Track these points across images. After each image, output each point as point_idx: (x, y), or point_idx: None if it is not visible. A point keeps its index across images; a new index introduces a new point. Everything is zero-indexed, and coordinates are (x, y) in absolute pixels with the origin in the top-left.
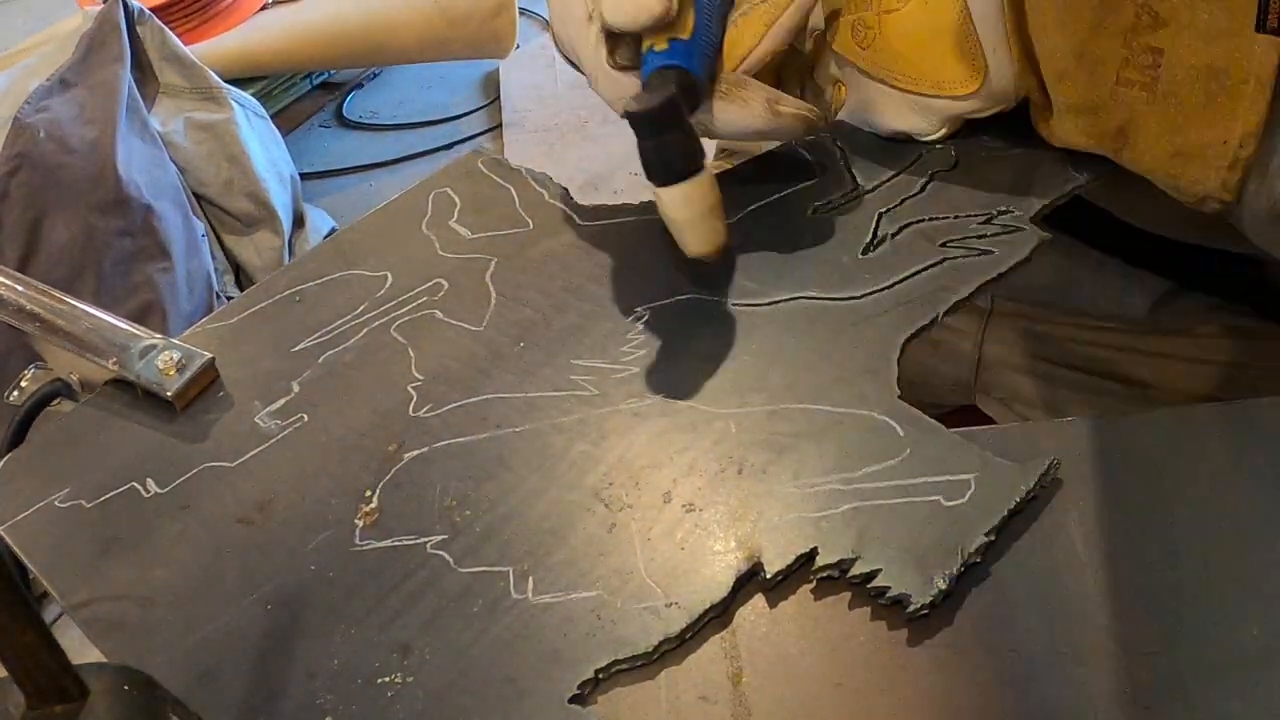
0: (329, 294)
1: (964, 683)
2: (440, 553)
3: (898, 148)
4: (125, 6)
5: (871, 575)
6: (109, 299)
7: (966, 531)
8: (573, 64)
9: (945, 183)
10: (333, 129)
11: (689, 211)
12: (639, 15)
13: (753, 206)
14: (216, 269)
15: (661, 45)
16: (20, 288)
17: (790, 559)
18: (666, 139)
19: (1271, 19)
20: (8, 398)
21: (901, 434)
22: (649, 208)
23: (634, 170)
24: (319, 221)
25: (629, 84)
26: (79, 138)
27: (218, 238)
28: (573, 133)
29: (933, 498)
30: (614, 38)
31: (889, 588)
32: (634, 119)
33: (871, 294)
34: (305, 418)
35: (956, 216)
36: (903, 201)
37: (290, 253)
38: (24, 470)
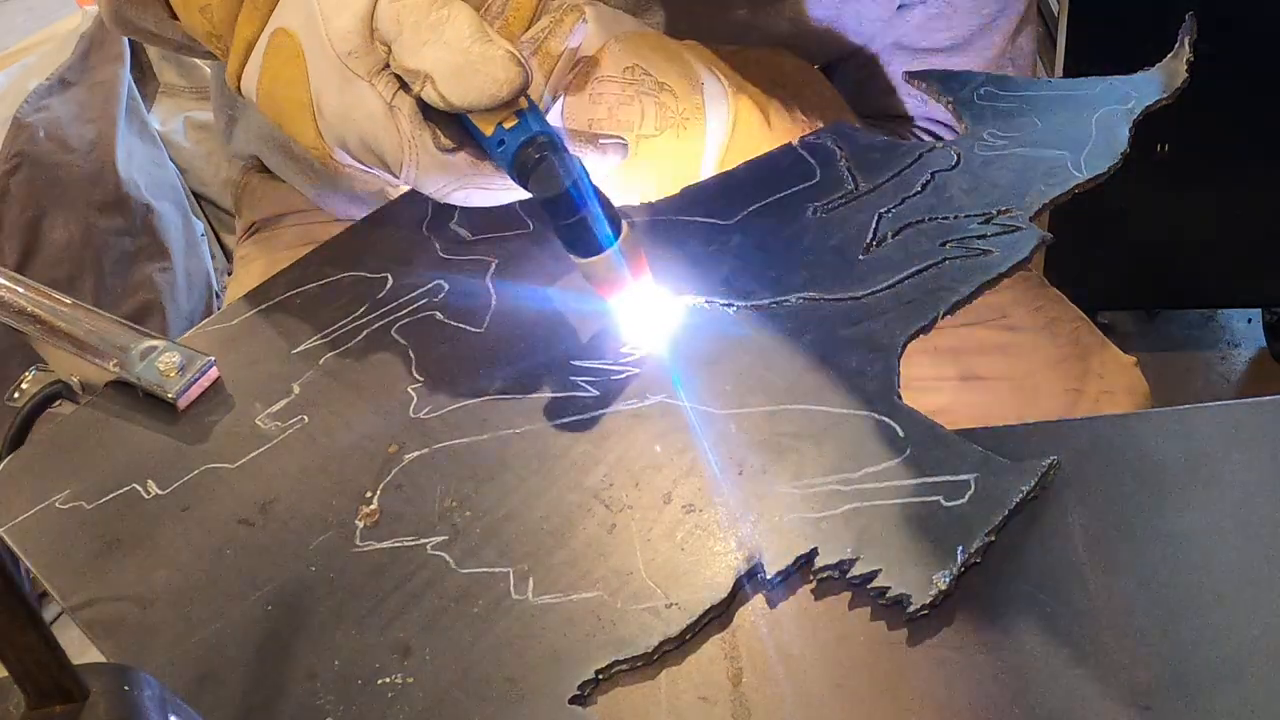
0: (329, 296)
1: (964, 683)
2: (441, 554)
3: (898, 147)
4: None
5: (871, 576)
6: (109, 299)
7: (966, 532)
8: (360, 168)
9: (945, 183)
10: None
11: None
12: (498, 91)
13: (753, 207)
14: (216, 269)
15: (512, 121)
16: (20, 289)
17: (790, 559)
18: (597, 205)
19: None
20: (8, 399)
21: (902, 434)
22: (648, 209)
23: None
24: None
25: (463, 164)
26: (79, 137)
27: (217, 238)
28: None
29: (933, 498)
30: (436, 120)
31: (889, 588)
32: (557, 201)
33: (872, 294)
34: (306, 419)
35: (956, 216)
36: (903, 201)
37: None
38: (25, 472)
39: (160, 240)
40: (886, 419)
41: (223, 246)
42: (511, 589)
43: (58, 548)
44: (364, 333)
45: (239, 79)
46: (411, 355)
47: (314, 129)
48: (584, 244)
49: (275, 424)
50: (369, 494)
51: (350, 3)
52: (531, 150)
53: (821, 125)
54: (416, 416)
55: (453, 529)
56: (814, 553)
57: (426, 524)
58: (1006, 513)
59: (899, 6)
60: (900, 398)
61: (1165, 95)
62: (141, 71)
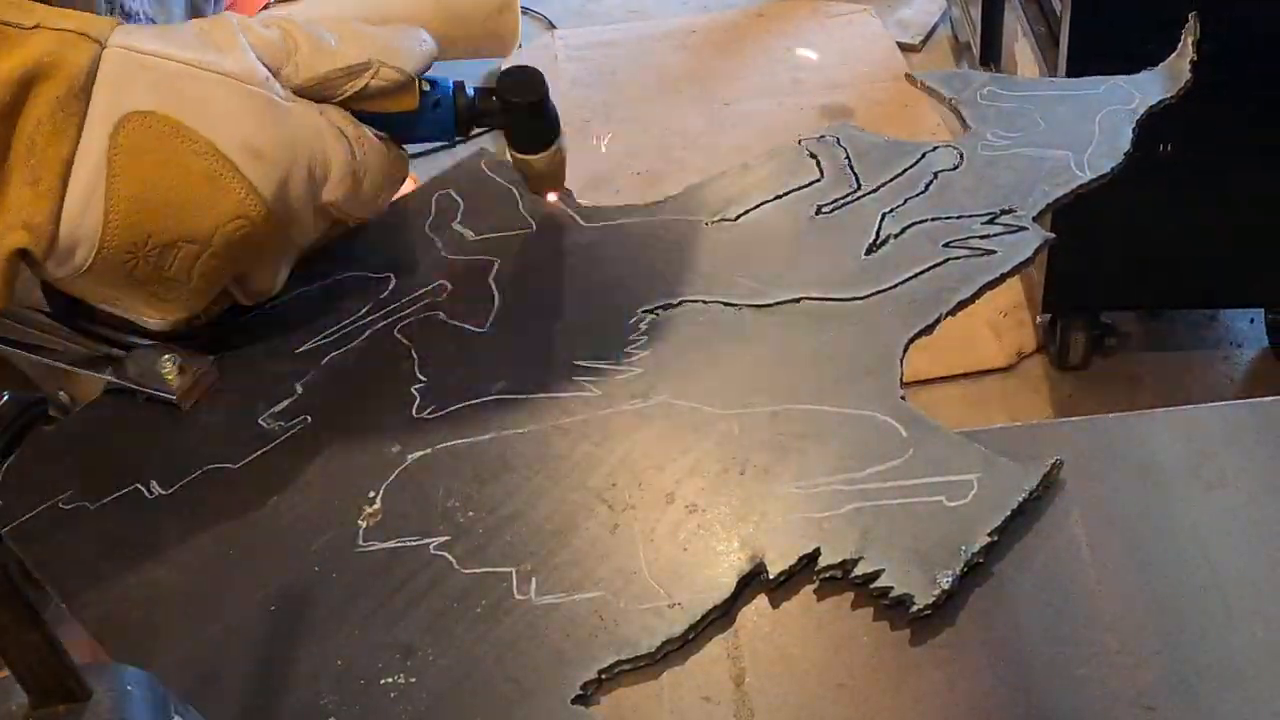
0: (332, 296)
1: (966, 683)
2: (443, 554)
3: (901, 148)
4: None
5: (874, 576)
6: None
7: (969, 532)
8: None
9: (948, 183)
10: None
11: None
12: (430, 49)
13: (756, 206)
14: None
15: (425, 85)
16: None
17: (793, 559)
18: None
19: None
20: None
21: (904, 434)
22: (651, 209)
23: (637, 171)
24: None
25: (398, 152)
26: None
27: None
28: (575, 133)
29: (936, 498)
30: None
31: (892, 588)
32: (541, 101)
33: (875, 294)
34: (308, 419)
35: (959, 216)
36: (906, 202)
37: None
38: (28, 473)
39: None
40: (889, 419)
41: None
42: (514, 589)
43: (61, 548)
44: (367, 332)
45: (55, 223)
46: (414, 355)
47: (239, 190)
48: (546, 135)
49: (278, 424)
50: (372, 494)
51: (223, 43)
52: (463, 93)
53: None
54: (419, 416)
55: (455, 529)
56: (817, 553)
57: (429, 524)
58: (1009, 513)
59: None
60: (904, 398)
61: (1169, 95)
62: None
